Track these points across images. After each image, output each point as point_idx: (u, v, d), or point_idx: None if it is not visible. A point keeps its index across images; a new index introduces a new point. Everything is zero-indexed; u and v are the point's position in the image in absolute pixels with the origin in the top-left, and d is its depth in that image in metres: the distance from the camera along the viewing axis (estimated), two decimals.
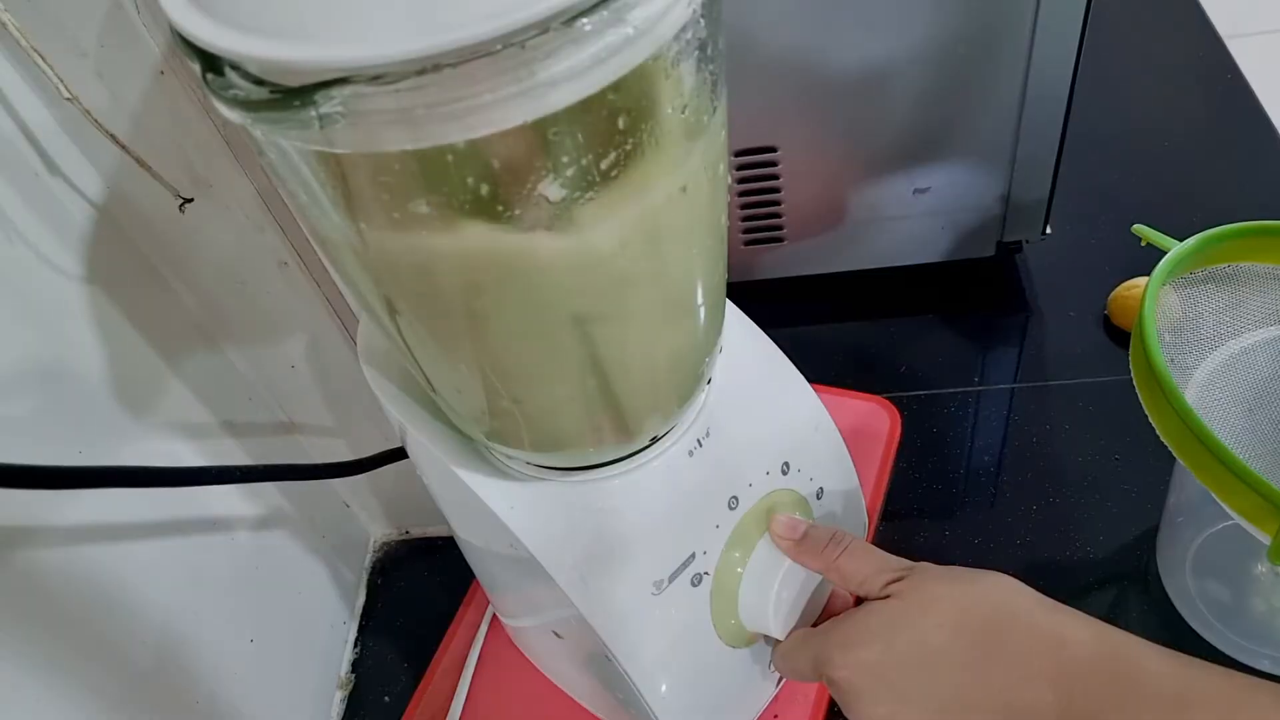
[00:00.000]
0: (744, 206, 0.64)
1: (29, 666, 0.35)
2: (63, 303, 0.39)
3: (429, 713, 0.54)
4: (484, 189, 0.25)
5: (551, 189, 0.25)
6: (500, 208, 0.25)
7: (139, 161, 0.39)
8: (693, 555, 0.39)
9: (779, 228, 0.66)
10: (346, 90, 0.20)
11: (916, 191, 0.63)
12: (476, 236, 0.26)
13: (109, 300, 0.42)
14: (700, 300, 0.34)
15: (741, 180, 0.63)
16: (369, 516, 0.63)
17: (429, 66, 0.20)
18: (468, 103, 0.22)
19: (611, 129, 0.25)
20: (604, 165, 0.26)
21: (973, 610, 0.34)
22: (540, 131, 0.24)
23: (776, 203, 0.64)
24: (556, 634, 0.43)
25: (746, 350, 0.43)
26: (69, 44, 0.36)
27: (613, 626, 0.38)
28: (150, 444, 0.44)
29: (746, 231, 0.66)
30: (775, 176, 0.62)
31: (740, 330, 0.44)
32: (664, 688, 0.40)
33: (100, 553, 0.40)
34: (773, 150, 0.61)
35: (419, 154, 0.24)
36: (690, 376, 0.37)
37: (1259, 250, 0.46)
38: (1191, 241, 0.44)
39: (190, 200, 0.41)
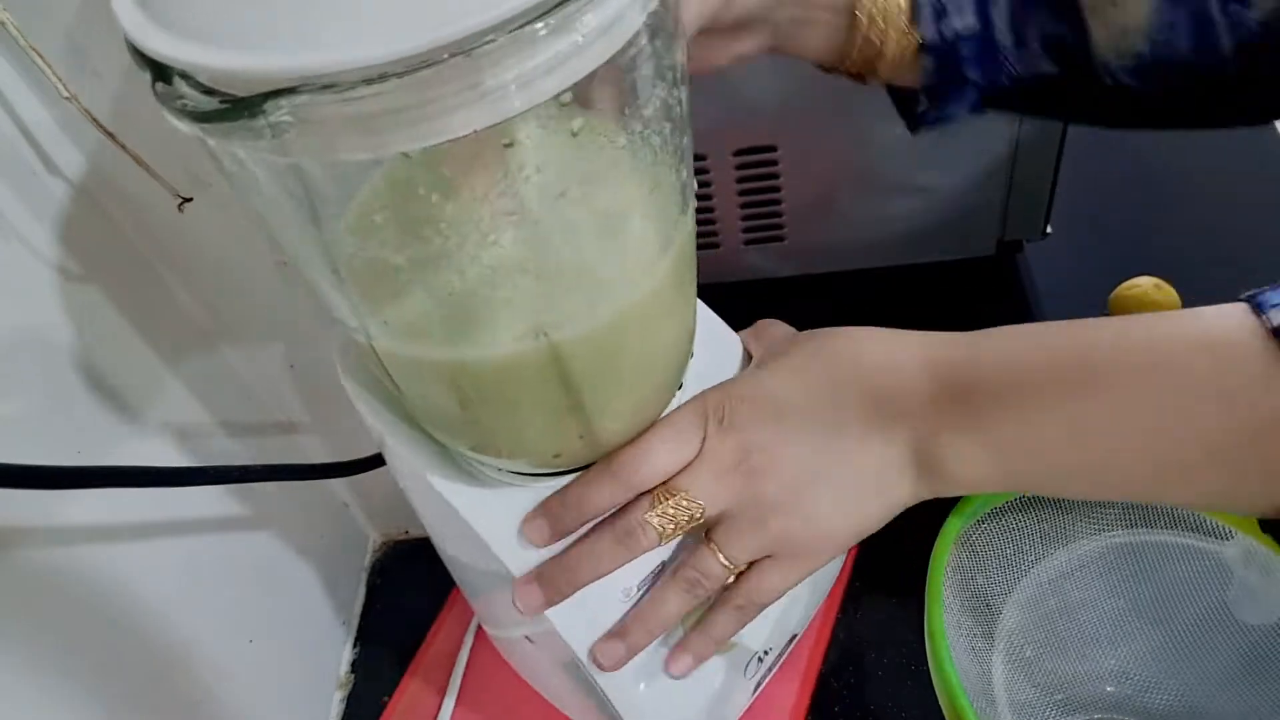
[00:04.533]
0: (744, 206, 0.64)
1: (27, 666, 0.35)
2: (61, 302, 0.39)
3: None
4: (435, 197, 0.25)
5: (507, 198, 0.26)
6: (455, 215, 0.25)
7: (137, 161, 0.39)
8: (662, 565, 0.39)
9: (779, 227, 0.66)
10: (297, 99, 0.20)
11: (916, 191, 0.63)
12: (433, 245, 0.26)
13: (108, 300, 0.41)
14: (672, 315, 0.34)
15: (741, 180, 0.62)
16: (368, 516, 0.63)
17: (376, 75, 0.20)
18: (419, 111, 0.22)
19: (566, 138, 0.26)
20: (559, 174, 0.26)
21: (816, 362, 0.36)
22: (494, 139, 0.24)
23: (777, 202, 0.64)
24: (529, 639, 0.43)
25: (717, 355, 0.43)
26: (68, 43, 0.36)
27: (582, 634, 0.38)
28: (150, 444, 0.43)
29: (746, 231, 0.66)
30: (775, 176, 0.62)
31: (710, 334, 0.43)
32: (634, 695, 0.40)
33: (99, 553, 0.39)
34: (773, 150, 0.61)
35: (373, 162, 0.24)
36: (663, 392, 0.37)
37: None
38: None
39: (189, 200, 0.41)
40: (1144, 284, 0.64)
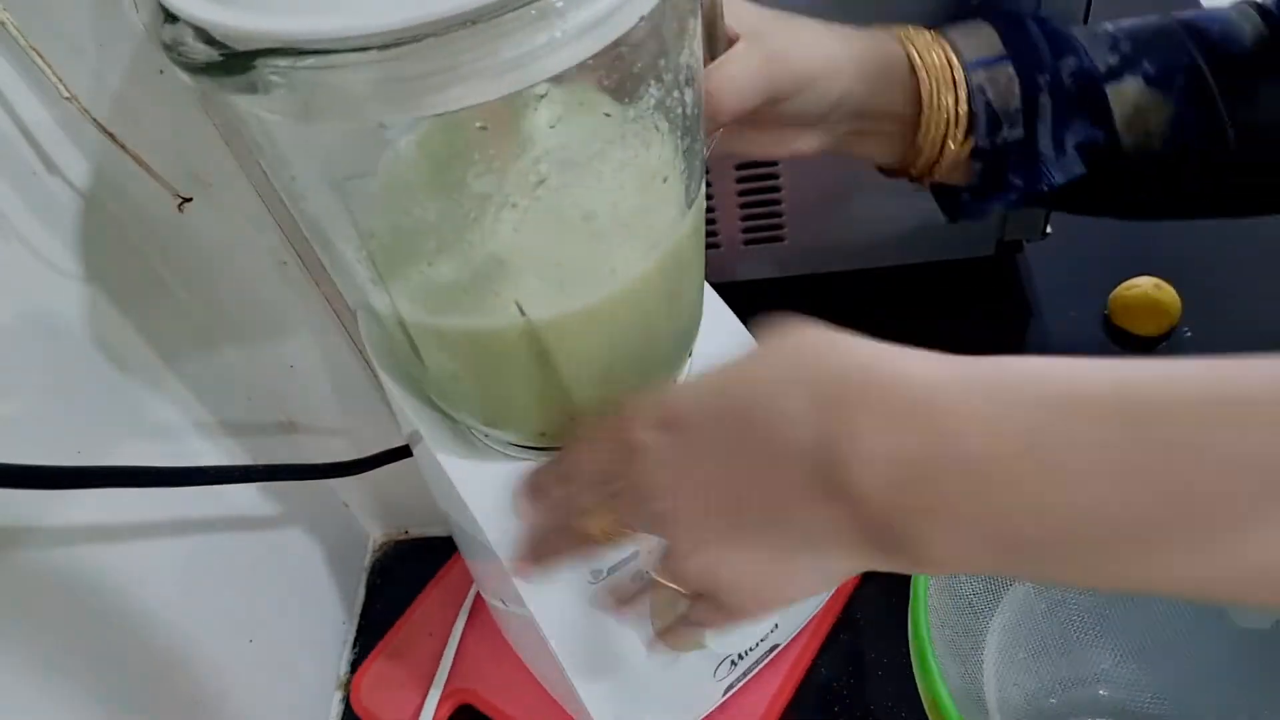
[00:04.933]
0: (744, 206, 0.64)
1: (27, 667, 0.35)
2: (61, 302, 0.39)
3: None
4: (421, 172, 0.26)
5: (485, 179, 0.26)
6: (437, 191, 0.26)
7: (137, 160, 0.39)
8: (635, 553, 0.39)
9: (779, 227, 0.66)
10: (282, 61, 0.21)
11: (916, 191, 0.63)
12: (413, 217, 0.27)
13: (107, 299, 0.41)
14: (661, 312, 0.34)
15: (741, 180, 0.63)
16: (368, 516, 0.63)
17: (355, 46, 0.21)
18: (399, 85, 0.22)
19: (545, 127, 0.26)
20: (542, 160, 0.26)
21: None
22: (469, 121, 0.25)
23: (777, 202, 0.64)
24: (504, 604, 0.43)
25: (723, 346, 0.42)
26: (67, 43, 0.36)
27: (549, 611, 0.38)
28: (149, 444, 0.43)
29: (746, 231, 0.66)
30: (775, 176, 0.62)
31: (717, 325, 0.43)
32: (597, 681, 0.40)
33: (99, 553, 0.39)
34: None
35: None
36: (660, 371, 0.37)
37: None
38: None
39: (189, 199, 0.41)
40: (1144, 284, 0.64)
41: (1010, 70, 0.39)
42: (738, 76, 0.36)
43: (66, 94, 0.36)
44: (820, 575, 0.28)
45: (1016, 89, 0.39)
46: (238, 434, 0.50)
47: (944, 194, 0.45)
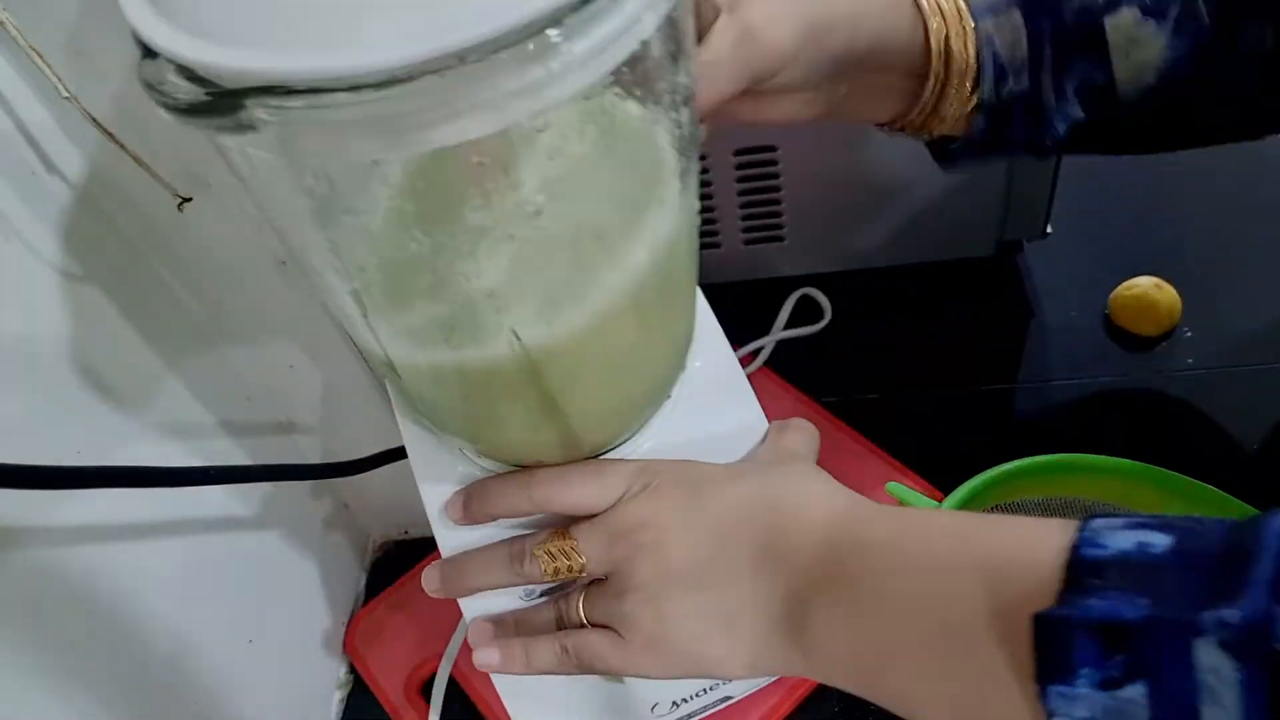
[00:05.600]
0: (744, 205, 0.64)
1: (26, 668, 0.35)
2: (61, 302, 0.39)
3: None
4: (410, 205, 0.25)
5: (481, 212, 0.26)
6: (430, 224, 0.26)
7: (137, 160, 0.39)
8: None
9: (779, 226, 0.66)
10: (272, 100, 0.20)
11: (916, 191, 0.63)
12: (409, 250, 0.27)
13: (107, 299, 0.41)
14: (658, 331, 0.33)
15: (741, 179, 0.63)
16: (369, 516, 0.63)
17: (350, 85, 0.20)
18: (392, 122, 0.21)
19: (544, 156, 0.26)
20: (537, 191, 0.26)
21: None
22: (469, 154, 0.24)
23: (777, 202, 0.64)
24: None
25: (709, 376, 0.41)
26: (67, 43, 0.36)
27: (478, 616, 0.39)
28: (149, 444, 0.43)
29: (746, 230, 0.66)
30: (775, 175, 0.62)
31: (709, 345, 0.42)
32: (515, 691, 0.40)
33: (99, 553, 0.39)
34: (773, 149, 0.61)
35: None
36: (644, 403, 0.37)
37: (1022, 488, 0.47)
38: (958, 493, 0.42)
39: (189, 199, 0.41)
40: (1144, 284, 0.64)
41: (1017, 18, 0.38)
42: (711, 65, 0.34)
43: (66, 94, 0.36)
44: (721, 653, 0.33)
45: (1023, 39, 0.38)
46: (238, 434, 0.50)
47: (941, 143, 0.44)
